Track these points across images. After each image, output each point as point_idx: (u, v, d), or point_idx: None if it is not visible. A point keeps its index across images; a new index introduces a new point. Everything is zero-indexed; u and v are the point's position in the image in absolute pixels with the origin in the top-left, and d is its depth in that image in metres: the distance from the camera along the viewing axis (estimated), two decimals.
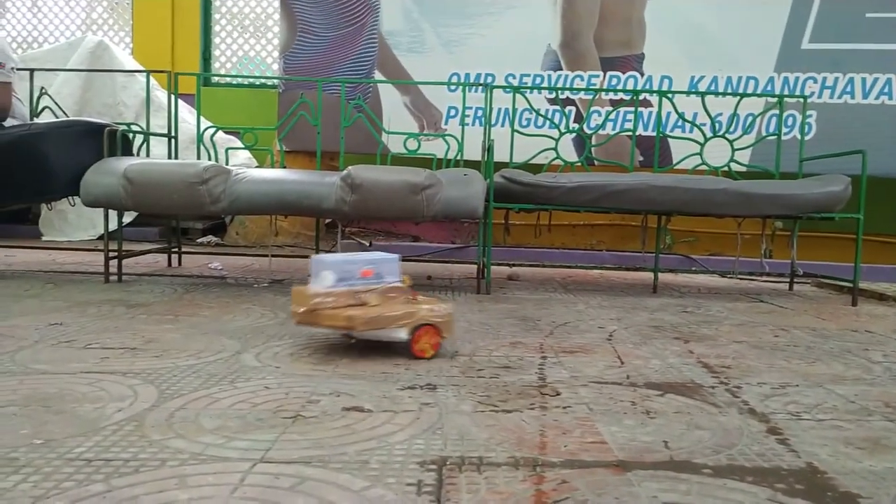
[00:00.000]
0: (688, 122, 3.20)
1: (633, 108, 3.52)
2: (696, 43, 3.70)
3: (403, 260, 3.76)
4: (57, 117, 2.96)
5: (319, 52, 3.85)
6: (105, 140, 2.53)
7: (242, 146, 3.75)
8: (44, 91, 2.99)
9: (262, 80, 4.71)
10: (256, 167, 3.74)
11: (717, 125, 3.18)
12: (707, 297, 2.80)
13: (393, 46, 3.86)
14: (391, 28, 3.86)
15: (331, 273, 1.62)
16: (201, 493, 0.84)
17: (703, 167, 3.13)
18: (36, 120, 2.92)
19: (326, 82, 3.40)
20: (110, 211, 2.56)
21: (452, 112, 3.82)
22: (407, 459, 0.97)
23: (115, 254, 2.63)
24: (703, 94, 3.16)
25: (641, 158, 3.39)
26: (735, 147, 3.12)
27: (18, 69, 2.78)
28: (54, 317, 1.93)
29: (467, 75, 3.81)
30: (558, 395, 1.32)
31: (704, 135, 3.12)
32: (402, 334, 1.55)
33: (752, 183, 2.74)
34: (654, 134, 3.63)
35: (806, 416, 1.24)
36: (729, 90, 3.70)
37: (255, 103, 4.57)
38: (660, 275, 2.95)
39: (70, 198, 2.61)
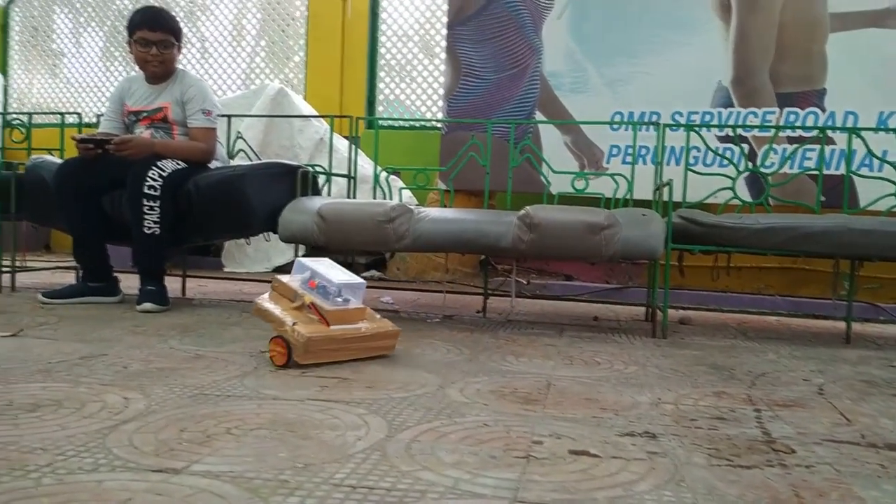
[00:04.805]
0: (881, 160, 2.98)
1: (813, 146, 3.34)
2: (886, 76, 3.45)
3: (557, 299, 3.75)
4: (250, 159, 3.23)
5: (482, 94, 3.96)
6: (298, 181, 2.72)
7: (404, 186, 3.91)
8: (239, 135, 3.28)
9: (422, 123, 4.90)
10: (417, 205, 3.87)
11: None
12: None
13: (554, 87, 3.90)
14: (553, 69, 3.90)
15: (308, 274, 1.90)
16: None
17: None
18: (231, 161, 3.19)
19: (494, 124, 3.48)
20: (295, 246, 2.75)
21: (615, 151, 3.79)
22: None
23: None
24: None
25: (823, 199, 3.18)
26: None
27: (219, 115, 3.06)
28: (261, 344, 2.07)
29: (631, 114, 3.77)
30: (793, 452, 1.24)
31: None
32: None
33: None
34: (838, 173, 3.41)
35: None
36: None
37: (413, 144, 4.75)
38: (843, 324, 2.73)
39: (265, 233, 2.82)
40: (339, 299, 1.88)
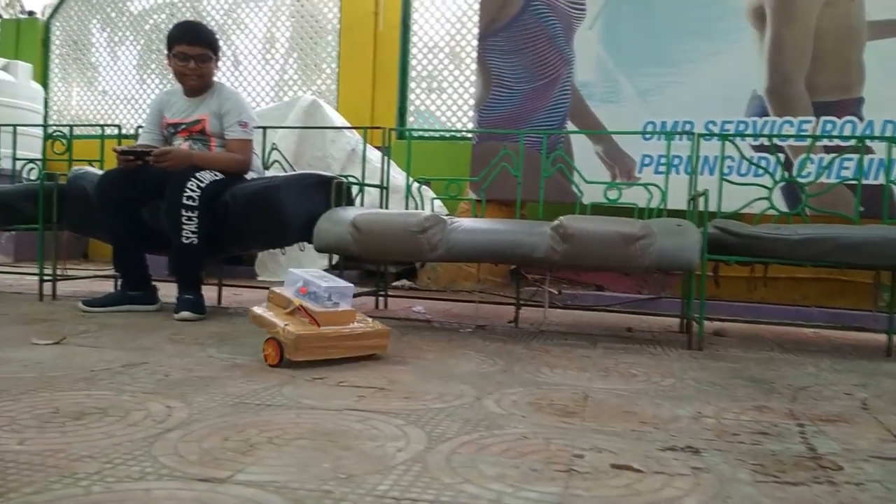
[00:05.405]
0: None
1: (851, 156, 3.28)
2: None
3: (589, 310, 3.73)
4: (284, 170, 3.27)
5: (513, 104, 3.96)
6: (333, 191, 2.75)
7: (435, 196, 3.92)
8: (274, 146, 3.32)
9: (453, 133, 4.92)
10: (447, 215, 3.88)
11: None
12: None
13: (586, 97, 3.88)
14: (584, 79, 3.89)
15: (300, 283, 2.01)
16: None
17: None
18: (266, 172, 3.23)
19: (527, 134, 3.47)
20: (329, 255, 2.77)
21: (647, 161, 3.76)
22: None
23: None
24: None
25: (862, 209, 3.12)
26: None
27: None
28: None
29: (663, 123, 3.74)
30: (841, 469, 1.22)
31: None
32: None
33: None
34: (878, 182, 3.35)
35: None
36: None
37: (444, 155, 4.76)
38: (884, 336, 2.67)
39: (300, 244, 2.85)
40: (329, 302, 1.99)
